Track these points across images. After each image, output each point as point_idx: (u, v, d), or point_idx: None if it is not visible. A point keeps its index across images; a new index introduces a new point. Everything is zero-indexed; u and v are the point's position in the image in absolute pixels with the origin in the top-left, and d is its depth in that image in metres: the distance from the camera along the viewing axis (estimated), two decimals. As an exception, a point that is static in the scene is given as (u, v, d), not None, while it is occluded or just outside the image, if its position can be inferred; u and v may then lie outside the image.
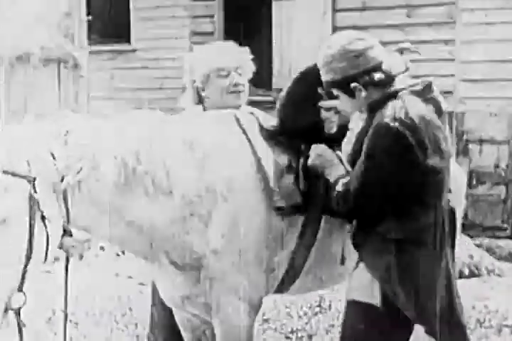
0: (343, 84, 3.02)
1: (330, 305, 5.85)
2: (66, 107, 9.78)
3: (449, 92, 8.79)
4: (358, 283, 3.01)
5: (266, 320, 5.40)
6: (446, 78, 8.91)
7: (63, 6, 9.83)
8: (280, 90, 10.07)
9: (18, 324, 2.81)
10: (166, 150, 3.08)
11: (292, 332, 5.34)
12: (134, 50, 11.69)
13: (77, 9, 10.01)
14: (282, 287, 3.44)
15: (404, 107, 2.90)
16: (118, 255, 7.05)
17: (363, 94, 2.99)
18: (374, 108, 2.98)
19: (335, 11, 9.88)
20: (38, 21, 9.67)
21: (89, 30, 10.13)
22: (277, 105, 3.44)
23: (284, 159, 3.28)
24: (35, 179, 2.74)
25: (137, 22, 11.67)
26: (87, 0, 10.61)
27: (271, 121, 3.42)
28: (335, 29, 9.80)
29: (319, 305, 5.86)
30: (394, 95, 2.97)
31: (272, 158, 3.25)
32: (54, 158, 2.82)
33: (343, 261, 3.32)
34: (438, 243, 3.01)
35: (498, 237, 7.99)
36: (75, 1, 9.98)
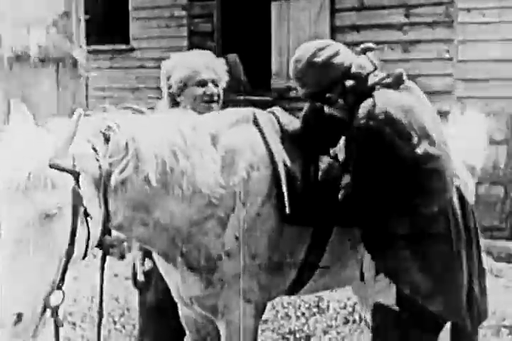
0: (319, 96, 3.02)
1: (328, 306, 5.85)
2: (65, 107, 9.78)
3: (447, 92, 8.80)
4: (381, 286, 3.03)
5: (264, 321, 5.39)
6: (444, 78, 8.92)
7: (61, 5, 9.82)
8: (279, 90, 10.05)
9: (56, 322, 2.75)
10: (196, 151, 3.05)
11: (290, 332, 5.34)
12: (132, 50, 11.69)
13: (75, 9, 10.00)
14: (291, 291, 3.46)
15: (376, 103, 2.90)
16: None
17: (340, 101, 3.00)
18: (352, 111, 2.97)
19: (333, 10, 9.87)
20: (36, 21, 9.66)
21: (87, 30, 10.12)
22: (304, 110, 3.38)
23: (299, 165, 3.24)
24: (79, 174, 2.69)
25: (136, 21, 11.67)
26: (85, -1, 10.60)
27: (293, 122, 3.37)
28: (333, 29, 9.81)
29: (317, 306, 5.86)
30: (369, 94, 2.96)
31: (287, 163, 3.20)
32: (97, 154, 2.79)
33: (362, 277, 3.31)
34: (453, 230, 3.00)
35: (497, 238, 7.98)
36: (74, 0, 9.97)
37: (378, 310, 3.06)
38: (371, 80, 2.99)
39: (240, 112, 3.36)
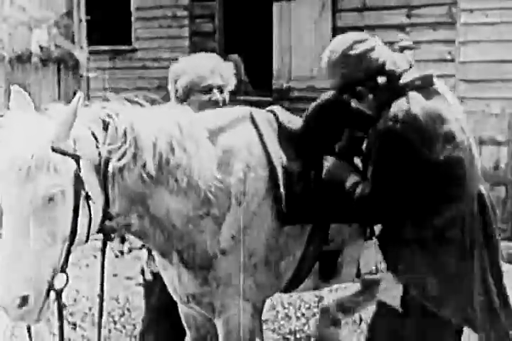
0: (349, 89, 3.01)
1: (328, 306, 5.84)
2: (66, 107, 9.79)
3: (449, 93, 8.80)
4: (385, 285, 3.02)
5: (264, 321, 5.38)
6: (445, 78, 8.87)
7: (63, 6, 9.83)
8: (280, 91, 10.00)
9: (59, 305, 2.76)
10: (193, 144, 3.05)
11: (290, 333, 5.33)
12: (134, 50, 11.69)
13: (77, 9, 10.01)
14: (288, 289, 3.47)
15: (407, 105, 2.88)
16: (117, 256, 7.04)
17: (370, 96, 2.97)
18: (381, 109, 2.95)
19: (335, 11, 9.87)
20: (37, 21, 9.67)
21: (89, 30, 10.12)
22: (309, 110, 3.35)
23: (296, 164, 3.23)
24: (80, 158, 2.70)
25: (137, 22, 11.67)
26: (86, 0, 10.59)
27: (292, 121, 3.36)
28: (335, 29, 9.80)
29: (318, 306, 5.85)
30: (400, 93, 2.94)
31: (285, 163, 3.20)
32: (96, 140, 2.81)
33: (358, 274, 3.31)
34: (468, 237, 2.96)
35: (498, 238, 7.97)
36: (75, 0, 9.98)
37: (380, 308, 3.05)
38: (404, 79, 2.97)
39: (237, 111, 3.36)
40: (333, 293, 5.97)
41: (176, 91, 3.66)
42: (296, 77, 9.92)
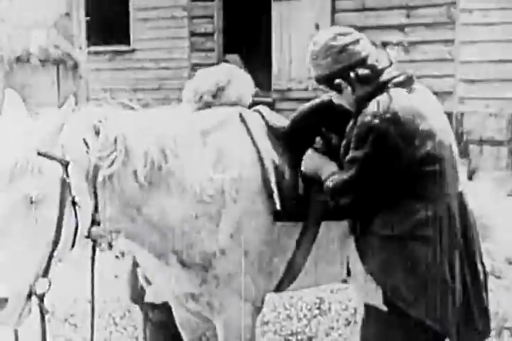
0: (329, 80, 3.01)
1: (329, 308, 5.83)
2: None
3: (449, 93, 8.80)
4: (369, 286, 3.00)
5: (265, 323, 5.38)
6: (445, 78, 8.92)
7: (62, 6, 9.82)
8: (280, 91, 9.98)
9: (41, 310, 2.74)
10: (186, 149, 3.07)
11: (292, 334, 5.32)
12: (132, 51, 11.68)
13: (76, 10, 10.01)
14: (280, 287, 3.46)
15: (387, 101, 2.87)
16: (117, 257, 7.03)
17: (348, 89, 2.98)
18: (361, 104, 2.95)
19: (334, 11, 9.87)
20: (36, 22, 9.66)
21: (88, 31, 10.12)
22: (297, 112, 3.38)
23: (286, 162, 3.27)
24: (68, 163, 2.69)
25: (136, 22, 11.66)
26: (85, 1, 10.60)
27: (279, 120, 3.40)
28: (334, 30, 9.80)
29: (319, 308, 5.84)
30: (380, 90, 2.94)
31: (275, 160, 3.24)
32: (87, 147, 2.80)
33: (348, 273, 3.30)
34: (445, 238, 2.93)
35: (498, 239, 7.97)
36: (74, 1, 9.98)
37: (368, 310, 3.04)
38: (384, 76, 2.98)
39: (227, 111, 3.39)
40: (335, 295, 5.97)
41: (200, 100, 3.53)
42: (295, 78, 9.91)
